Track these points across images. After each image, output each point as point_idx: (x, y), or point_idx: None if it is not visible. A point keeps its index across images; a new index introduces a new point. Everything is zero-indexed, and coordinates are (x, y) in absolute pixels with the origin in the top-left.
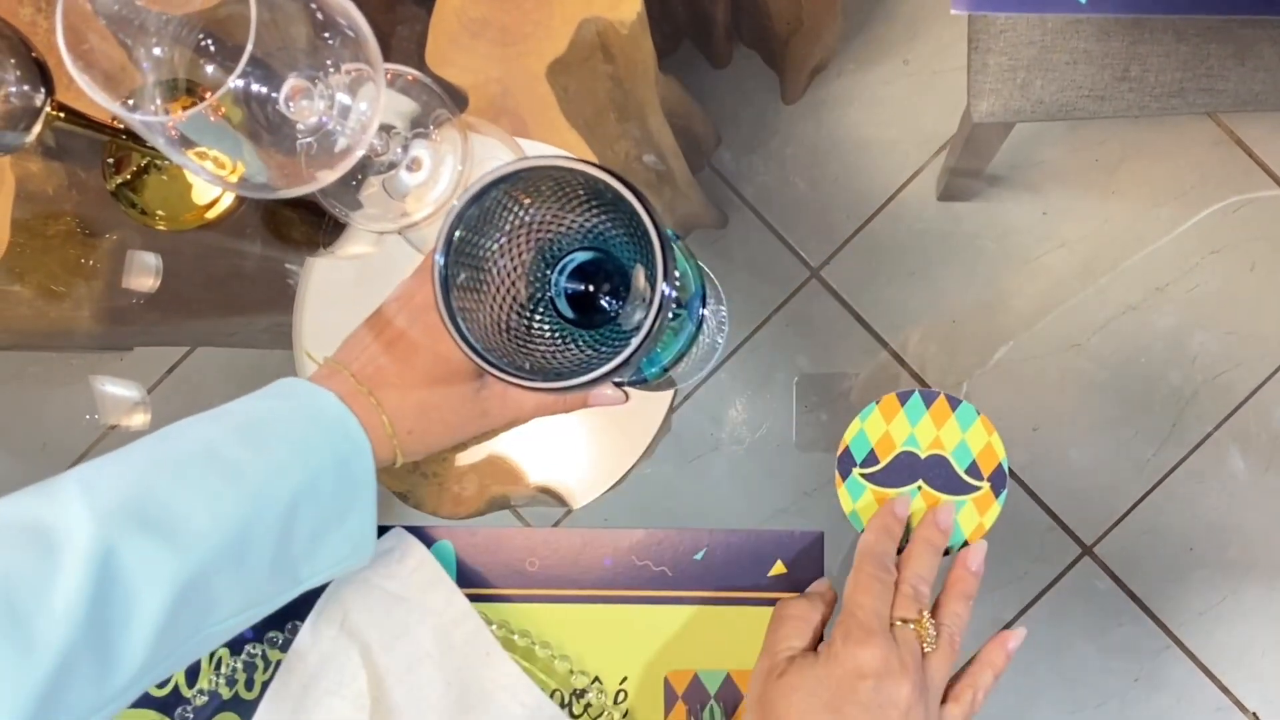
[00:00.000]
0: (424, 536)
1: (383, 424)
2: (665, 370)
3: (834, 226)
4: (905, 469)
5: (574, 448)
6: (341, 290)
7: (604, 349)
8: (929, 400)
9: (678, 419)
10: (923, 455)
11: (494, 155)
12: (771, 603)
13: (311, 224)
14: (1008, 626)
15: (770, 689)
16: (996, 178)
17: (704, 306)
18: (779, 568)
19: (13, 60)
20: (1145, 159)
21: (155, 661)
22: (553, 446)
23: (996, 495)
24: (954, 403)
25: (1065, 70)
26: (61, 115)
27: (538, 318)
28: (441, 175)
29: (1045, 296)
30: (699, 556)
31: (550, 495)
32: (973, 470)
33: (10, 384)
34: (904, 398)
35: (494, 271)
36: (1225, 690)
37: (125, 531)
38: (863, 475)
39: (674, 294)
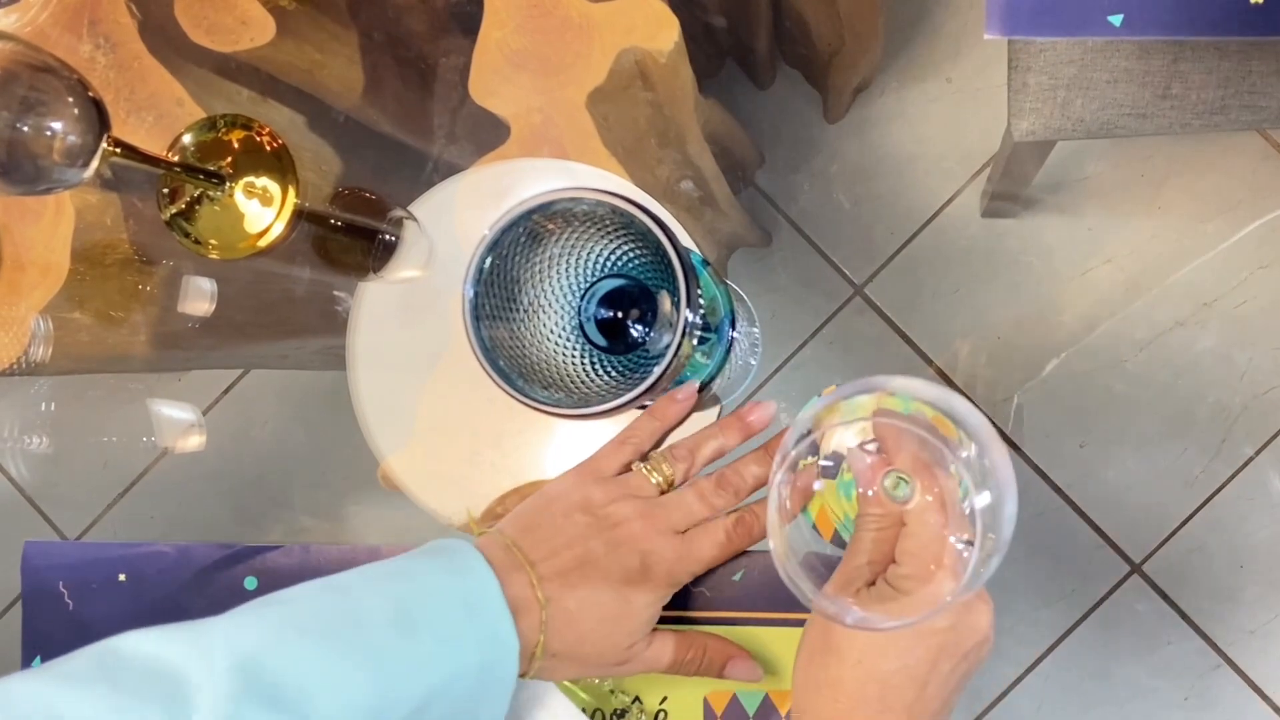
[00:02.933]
0: None
1: (537, 641)
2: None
3: (878, 244)
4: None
5: None
6: (392, 314)
7: (633, 375)
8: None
9: None
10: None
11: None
12: None
13: (361, 250)
14: (1057, 645)
15: None
16: (1041, 194)
17: (734, 329)
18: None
19: (70, 99)
20: (1191, 173)
21: None
22: None
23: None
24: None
25: (1106, 89)
26: (118, 151)
27: (568, 345)
28: None
29: (1091, 313)
30: (737, 577)
31: None
32: None
33: (72, 405)
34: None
35: (525, 301)
36: (1277, 710)
37: (253, 704)
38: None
39: (698, 320)
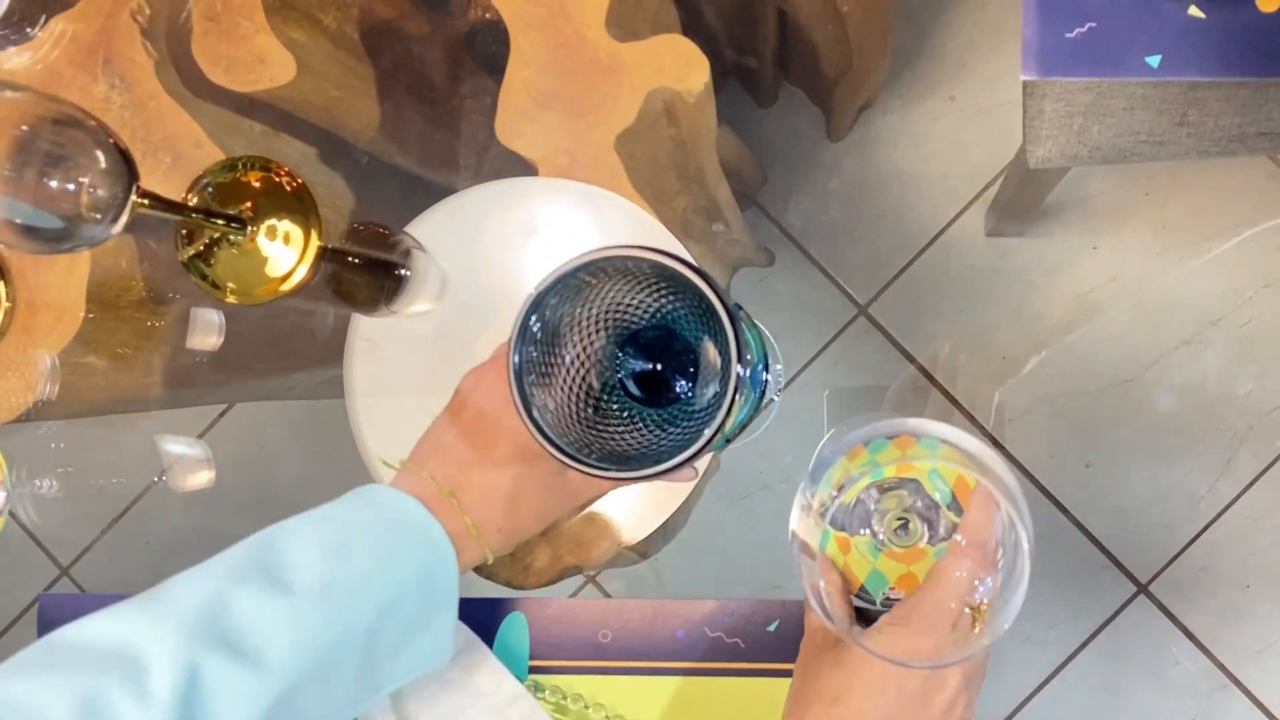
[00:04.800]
0: (498, 608)
1: (466, 526)
2: (729, 440)
3: (881, 263)
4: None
5: (621, 490)
6: (386, 340)
7: (672, 429)
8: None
9: (727, 457)
10: (889, 478)
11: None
12: None
13: (374, 284)
14: (1064, 666)
15: None
16: (1045, 212)
17: (766, 371)
18: None
19: (98, 151)
20: (1196, 193)
21: None
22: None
23: None
24: (918, 436)
25: (1122, 116)
26: (145, 202)
27: (606, 399)
28: None
29: (1096, 332)
30: (772, 628)
31: (616, 559)
32: (954, 506)
33: (66, 431)
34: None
35: (566, 358)
36: None
37: (210, 654)
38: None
39: (747, 374)
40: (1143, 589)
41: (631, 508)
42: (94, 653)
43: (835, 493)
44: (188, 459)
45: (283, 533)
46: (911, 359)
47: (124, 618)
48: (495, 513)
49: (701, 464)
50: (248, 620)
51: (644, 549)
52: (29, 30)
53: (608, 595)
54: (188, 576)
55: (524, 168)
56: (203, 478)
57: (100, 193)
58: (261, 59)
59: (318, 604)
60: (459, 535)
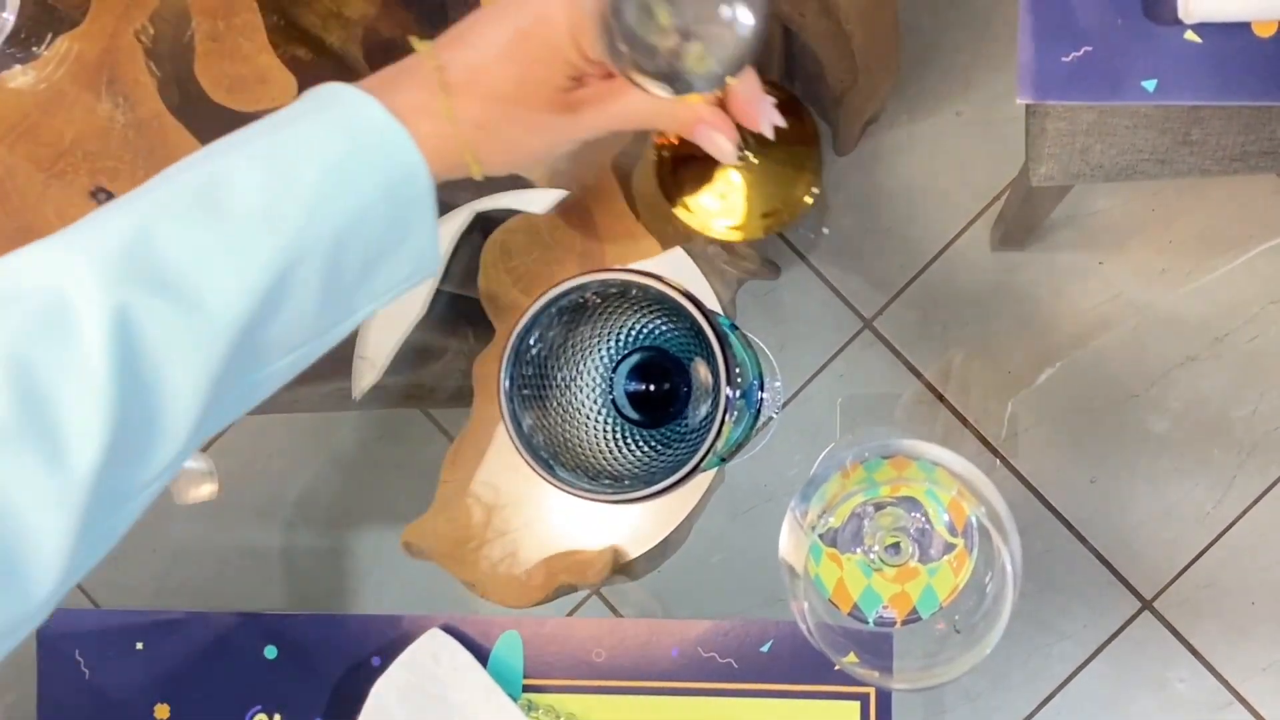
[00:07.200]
0: (492, 626)
1: (448, 114)
2: (724, 460)
3: (887, 277)
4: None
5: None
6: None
7: (665, 449)
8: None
9: (730, 471)
10: (884, 496)
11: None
12: (843, 696)
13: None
14: (1068, 681)
15: None
16: (1051, 228)
17: (762, 390)
18: (850, 658)
19: None
20: (1203, 208)
21: (201, 425)
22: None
23: (970, 552)
24: (913, 457)
25: (1125, 135)
26: None
27: (599, 420)
28: None
29: (1101, 348)
30: (766, 648)
31: (614, 575)
32: (950, 527)
33: None
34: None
35: (558, 378)
36: None
37: (142, 297)
38: (819, 536)
39: (738, 395)
40: (1147, 605)
41: (631, 524)
42: (9, 300)
43: (826, 509)
44: (190, 472)
45: (217, 154)
46: (916, 373)
47: (41, 258)
48: (478, 103)
49: (704, 480)
50: (181, 257)
51: (641, 567)
52: (35, 49)
53: (614, 609)
54: (111, 211)
55: (523, 186)
56: (205, 491)
57: None
58: (263, 78)
59: (260, 233)
60: (435, 135)
